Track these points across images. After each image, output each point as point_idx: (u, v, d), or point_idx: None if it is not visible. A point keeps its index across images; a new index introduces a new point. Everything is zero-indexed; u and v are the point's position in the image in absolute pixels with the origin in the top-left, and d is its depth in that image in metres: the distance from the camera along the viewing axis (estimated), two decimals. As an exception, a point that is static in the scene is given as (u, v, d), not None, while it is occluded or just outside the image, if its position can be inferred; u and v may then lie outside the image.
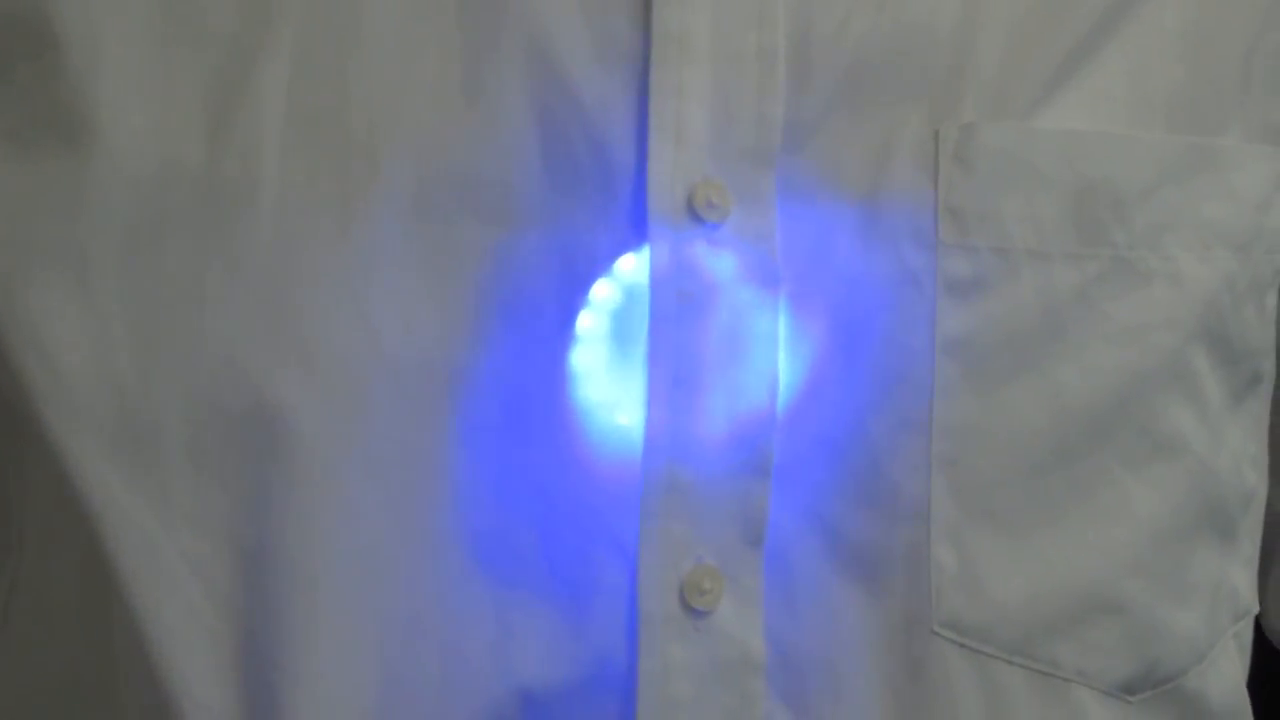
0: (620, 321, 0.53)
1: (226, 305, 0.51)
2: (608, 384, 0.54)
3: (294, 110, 0.51)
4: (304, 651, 0.53)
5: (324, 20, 0.52)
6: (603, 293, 0.52)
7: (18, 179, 0.53)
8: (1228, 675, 0.65)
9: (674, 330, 0.53)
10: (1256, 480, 0.65)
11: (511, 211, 0.52)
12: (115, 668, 0.56)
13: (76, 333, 0.52)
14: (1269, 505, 0.68)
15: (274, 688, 0.53)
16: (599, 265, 0.53)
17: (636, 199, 0.53)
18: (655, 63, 0.52)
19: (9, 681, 0.60)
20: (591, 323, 0.52)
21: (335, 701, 0.54)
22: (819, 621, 0.56)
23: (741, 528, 0.54)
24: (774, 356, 0.54)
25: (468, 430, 0.53)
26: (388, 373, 0.52)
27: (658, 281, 0.52)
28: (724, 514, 0.54)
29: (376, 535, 0.53)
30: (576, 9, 0.53)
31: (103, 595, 0.54)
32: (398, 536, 0.53)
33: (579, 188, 0.52)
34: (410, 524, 0.53)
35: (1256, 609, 0.67)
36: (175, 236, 0.51)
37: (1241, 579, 0.65)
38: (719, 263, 0.53)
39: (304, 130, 0.52)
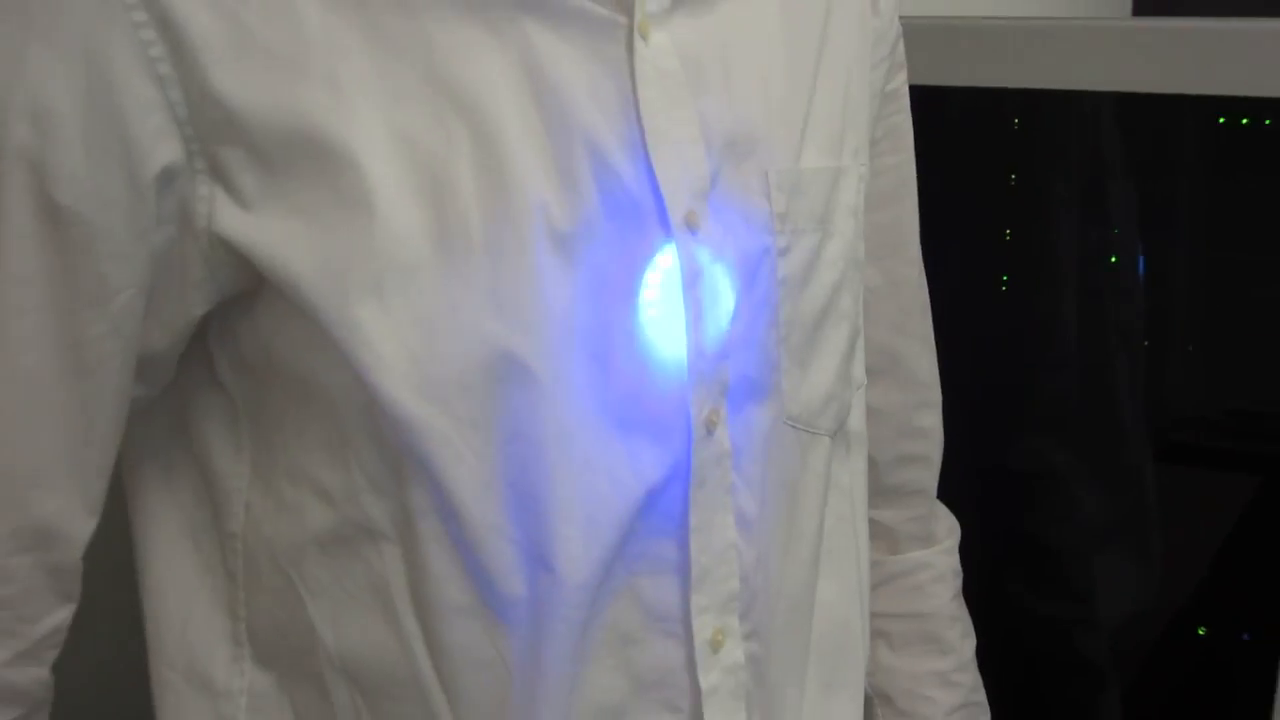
0: (665, 288, 0.78)
1: (467, 305, 0.73)
2: (662, 319, 0.78)
3: (478, 186, 0.73)
4: (549, 489, 0.75)
5: (483, 135, 0.73)
6: (655, 277, 0.77)
7: (325, 244, 0.72)
8: (858, 414, 0.97)
9: (692, 291, 0.78)
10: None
11: (593, 235, 0.75)
12: (418, 516, 0.76)
13: (387, 333, 0.72)
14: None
15: (537, 511, 0.76)
16: (643, 260, 0.77)
17: (655, 222, 0.77)
18: (653, 150, 0.77)
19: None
20: (653, 293, 0.77)
21: (565, 504, 0.76)
22: (744, 430, 0.83)
23: (720, 388, 0.80)
24: (730, 300, 0.80)
25: (588, 353, 0.76)
26: (556, 329, 0.74)
27: (684, 266, 0.77)
28: (714, 381, 0.80)
29: (570, 421, 0.75)
30: (606, 122, 0.76)
31: (408, 475, 0.75)
32: (578, 418, 0.76)
33: (622, 219, 0.76)
34: (583, 410, 0.76)
35: (865, 380, 0.97)
36: (426, 274, 0.72)
37: (860, 366, 0.96)
38: (702, 252, 0.78)
39: (488, 200, 0.73)
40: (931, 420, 1.09)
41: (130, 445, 0.83)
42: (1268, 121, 1.14)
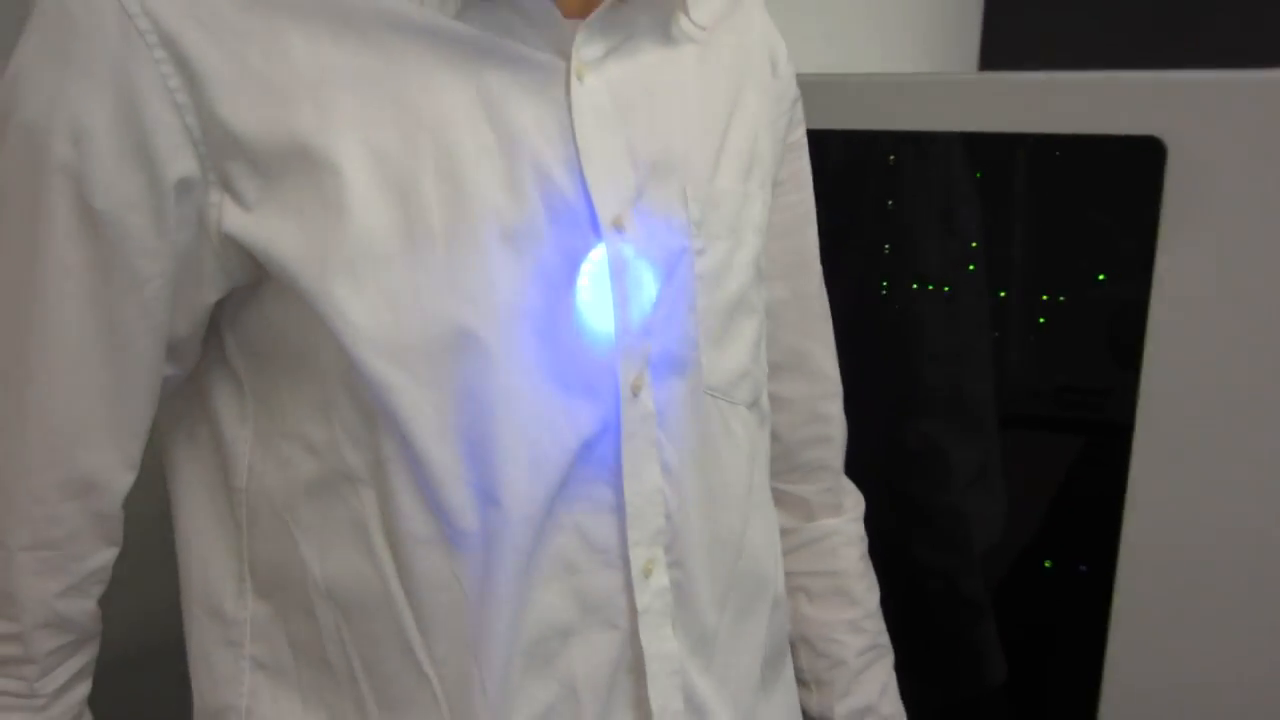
0: (595, 278, 0.84)
1: (429, 288, 0.78)
2: (594, 303, 0.84)
3: (440, 192, 0.78)
4: (497, 438, 0.81)
5: (445, 152, 0.79)
6: (589, 268, 0.84)
7: (308, 237, 0.77)
8: (765, 392, 1.04)
9: (619, 280, 0.85)
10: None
11: (537, 234, 0.81)
12: (388, 462, 0.81)
13: (360, 308, 0.77)
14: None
15: (487, 457, 0.81)
16: (579, 254, 0.83)
17: (587, 224, 0.84)
18: (586, 168, 0.83)
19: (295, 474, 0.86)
20: (587, 280, 0.84)
21: (510, 451, 0.81)
22: (667, 395, 0.89)
23: (643, 359, 0.87)
24: (653, 288, 0.87)
25: (532, 328, 0.81)
26: (504, 308, 0.80)
27: (611, 260, 0.84)
28: (638, 354, 0.86)
29: (516, 383, 0.81)
30: (547, 145, 0.82)
31: (379, 427, 0.81)
32: (522, 381, 0.82)
33: (560, 221, 0.83)
34: (527, 374, 0.82)
35: (768, 370, 1.05)
36: (393, 261, 0.78)
37: (764, 349, 1.03)
38: (627, 249, 0.85)
39: (447, 202, 0.78)
40: (834, 408, 1.18)
41: (162, 417, 0.89)
42: (1083, 156, 1.25)
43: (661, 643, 0.90)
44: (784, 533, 1.16)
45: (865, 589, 1.20)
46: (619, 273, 0.85)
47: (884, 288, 1.30)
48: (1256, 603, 1.27)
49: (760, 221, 0.98)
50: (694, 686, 0.94)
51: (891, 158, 1.39)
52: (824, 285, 1.17)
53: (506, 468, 0.81)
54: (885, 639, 1.21)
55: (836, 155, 1.23)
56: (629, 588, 0.88)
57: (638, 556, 0.88)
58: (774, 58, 1.06)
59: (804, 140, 1.12)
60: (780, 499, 1.16)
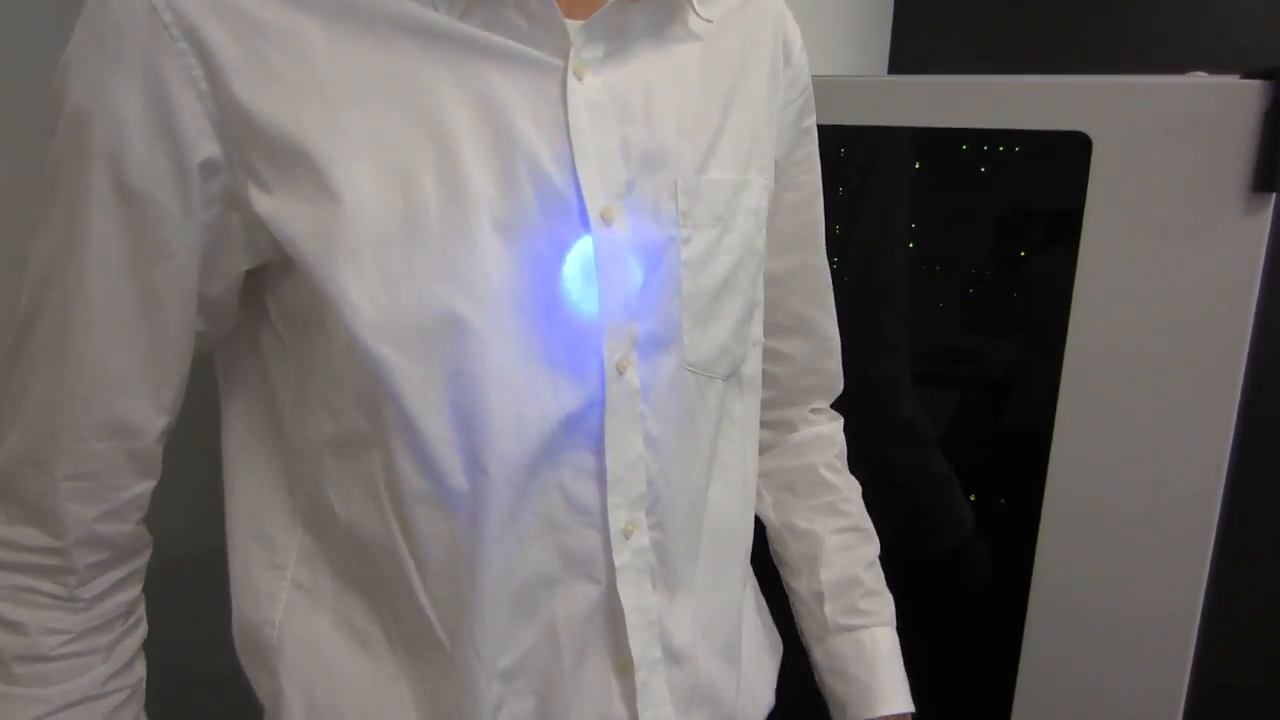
0: (584, 266, 0.86)
1: (424, 274, 0.79)
2: (581, 289, 0.86)
3: (437, 186, 0.80)
4: (484, 411, 0.83)
5: (444, 149, 0.80)
6: (575, 255, 0.84)
7: (315, 223, 0.79)
8: (753, 364, 1.06)
9: (605, 268, 0.86)
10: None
11: (528, 224, 0.82)
12: (388, 429, 0.84)
13: (361, 291, 0.79)
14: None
15: (475, 427, 0.83)
16: (568, 243, 0.84)
17: (576, 215, 0.85)
18: (578, 162, 0.84)
19: (312, 440, 0.89)
20: (574, 268, 0.84)
21: (496, 423, 0.83)
22: (651, 372, 0.90)
23: (630, 340, 0.88)
24: (639, 275, 0.88)
25: (522, 312, 0.82)
26: (494, 293, 0.81)
27: (597, 250, 0.86)
28: (624, 336, 0.88)
29: (504, 362, 0.82)
30: (542, 141, 0.83)
31: (379, 398, 0.83)
32: (510, 360, 0.83)
33: (551, 212, 0.84)
34: (515, 354, 0.83)
35: (761, 337, 1.07)
36: (392, 249, 0.79)
37: (758, 328, 1.06)
38: (615, 239, 0.86)
39: (444, 194, 0.80)
40: (832, 364, 1.25)
41: (221, 372, 0.93)
42: (1016, 149, 1.31)
43: (640, 597, 0.94)
44: (769, 446, 1.23)
45: (844, 482, 1.24)
46: (604, 262, 0.87)
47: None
48: (1153, 516, 1.42)
49: (756, 205, 1.00)
50: (671, 636, 0.98)
51: (842, 150, 1.45)
52: (827, 258, 1.21)
53: (492, 437, 0.83)
54: (867, 524, 1.24)
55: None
56: (608, 547, 0.91)
57: (617, 519, 0.91)
58: (788, 46, 1.08)
59: (814, 125, 1.15)
60: (769, 424, 1.22)
